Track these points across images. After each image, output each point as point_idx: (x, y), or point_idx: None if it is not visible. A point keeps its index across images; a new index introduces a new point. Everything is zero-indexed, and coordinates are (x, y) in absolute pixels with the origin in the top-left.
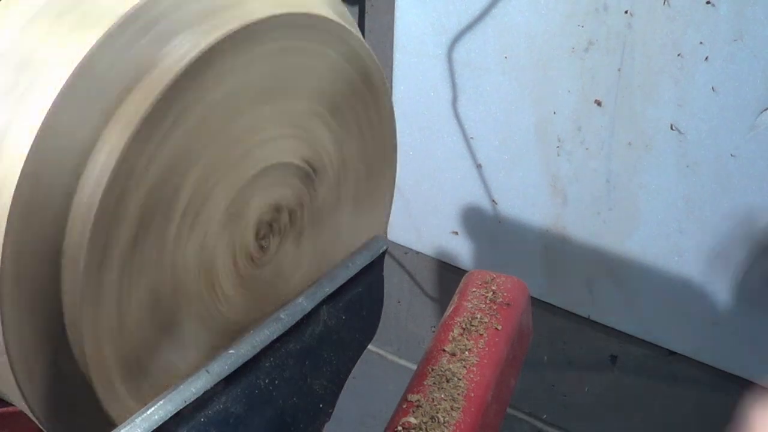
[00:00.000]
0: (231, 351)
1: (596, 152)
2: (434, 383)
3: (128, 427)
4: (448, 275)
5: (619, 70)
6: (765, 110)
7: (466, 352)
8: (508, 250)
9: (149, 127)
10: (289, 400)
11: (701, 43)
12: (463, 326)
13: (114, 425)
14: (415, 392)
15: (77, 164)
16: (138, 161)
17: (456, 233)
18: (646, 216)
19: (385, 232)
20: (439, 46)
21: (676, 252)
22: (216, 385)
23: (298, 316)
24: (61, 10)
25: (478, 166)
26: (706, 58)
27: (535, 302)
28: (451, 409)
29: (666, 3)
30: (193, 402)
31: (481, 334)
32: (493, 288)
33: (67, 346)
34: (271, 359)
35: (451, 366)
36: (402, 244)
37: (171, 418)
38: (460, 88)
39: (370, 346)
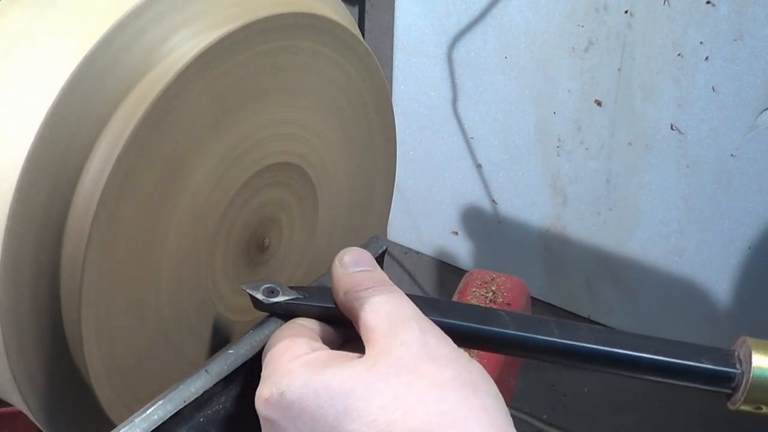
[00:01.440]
0: (230, 351)
1: (596, 152)
2: None
3: (127, 427)
4: (448, 275)
5: (619, 70)
6: (765, 110)
7: (466, 352)
8: (508, 250)
9: (150, 125)
10: None
11: (701, 43)
12: None
13: (113, 425)
14: None
15: (78, 162)
16: (138, 160)
17: (456, 233)
18: (646, 216)
19: (385, 232)
20: (439, 46)
21: (676, 252)
22: (215, 385)
23: None
24: (61, 8)
25: (478, 166)
26: (706, 58)
27: (535, 302)
28: None
29: (666, 3)
30: (192, 402)
31: None
32: (493, 288)
33: (66, 347)
34: None
35: None
36: (402, 244)
37: (170, 417)
38: (460, 88)
39: None
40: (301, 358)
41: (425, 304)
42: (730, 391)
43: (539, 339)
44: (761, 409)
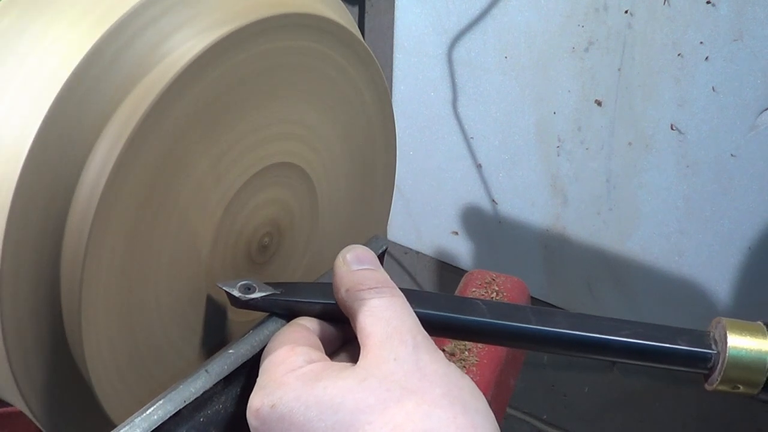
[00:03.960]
0: (230, 351)
1: (596, 152)
2: None
3: (127, 427)
4: (448, 275)
5: (619, 70)
6: (765, 110)
7: (466, 352)
8: (508, 250)
9: (150, 125)
10: None
11: (701, 43)
12: None
13: (113, 425)
14: None
15: (78, 163)
16: (137, 160)
17: (456, 233)
18: (646, 216)
19: (385, 232)
20: (439, 46)
21: (676, 252)
22: (215, 385)
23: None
24: (60, 8)
25: (478, 166)
26: (706, 58)
27: (535, 302)
28: None
29: (666, 3)
30: (192, 402)
31: None
32: (496, 288)
33: (66, 347)
34: None
35: None
36: (402, 244)
37: (170, 417)
38: (460, 88)
39: None
40: (297, 371)
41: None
42: (706, 372)
43: (516, 327)
44: (738, 388)
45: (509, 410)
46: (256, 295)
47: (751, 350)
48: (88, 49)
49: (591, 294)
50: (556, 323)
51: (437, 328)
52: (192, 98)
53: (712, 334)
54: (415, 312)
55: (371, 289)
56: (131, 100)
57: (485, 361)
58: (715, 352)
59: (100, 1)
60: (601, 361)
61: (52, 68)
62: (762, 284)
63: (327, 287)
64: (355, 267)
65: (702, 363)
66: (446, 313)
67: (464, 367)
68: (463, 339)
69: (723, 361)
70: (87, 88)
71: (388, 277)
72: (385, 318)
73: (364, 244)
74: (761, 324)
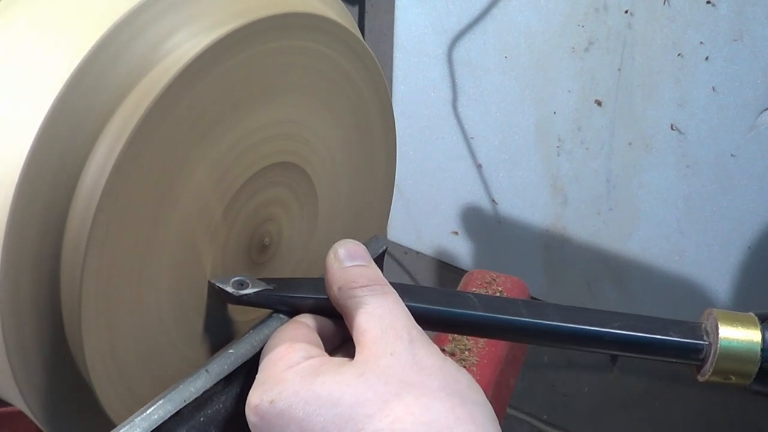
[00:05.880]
0: (230, 351)
1: (596, 152)
2: None
3: (127, 427)
4: (448, 275)
5: (619, 70)
6: (765, 110)
7: (466, 352)
8: (508, 250)
9: (150, 125)
10: None
11: (701, 43)
12: None
13: (113, 425)
14: None
15: (78, 162)
16: (138, 160)
17: (456, 233)
18: (646, 216)
19: (385, 232)
20: (439, 46)
21: (676, 252)
22: (215, 384)
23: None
24: (60, 8)
25: (478, 166)
26: (707, 58)
27: None
28: None
29: (666, 3)
30: (192, 402)
31: None
32: (499, 288)
33: (66, 347)
34: None
35: None
36: (402, 244)
37: (170, 417)
38: (460, 88)
39: None
40: (295, 367)
41: (396, 290)
42: (698, 363)
43: (508, 320)
44: (730, 379)
45: (509, 410)
46: (249, 290)
47: (743, 341)
48: (89, 48)
49: (591, 294)
50: (547, 316)
51: (430, 322)
52: (192, 98)
53: (703, 325)
54: (408, 306)
55: (363, 287)
56: (132, 100)
57: (485, 361)
58: (706, 343)
59: (97, 4)
60: (600, 361)
61: (53, 68)
62: (762, 284)
63: (320, 282)
64: (347, 264)
65: (694, 354)
66: (439, 306)
67: (464, 367)
68: (456, 332)
69: (714, 352)
70: (87, 88)
71: (380, 272)
72: (378, 315)
73: (363, 244)
74: (752, 315)
